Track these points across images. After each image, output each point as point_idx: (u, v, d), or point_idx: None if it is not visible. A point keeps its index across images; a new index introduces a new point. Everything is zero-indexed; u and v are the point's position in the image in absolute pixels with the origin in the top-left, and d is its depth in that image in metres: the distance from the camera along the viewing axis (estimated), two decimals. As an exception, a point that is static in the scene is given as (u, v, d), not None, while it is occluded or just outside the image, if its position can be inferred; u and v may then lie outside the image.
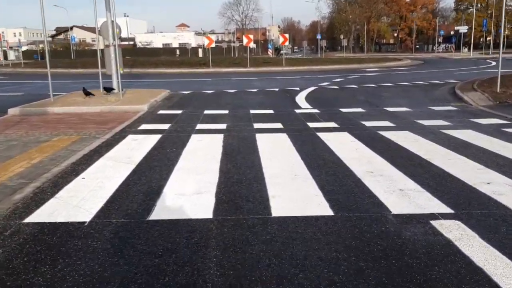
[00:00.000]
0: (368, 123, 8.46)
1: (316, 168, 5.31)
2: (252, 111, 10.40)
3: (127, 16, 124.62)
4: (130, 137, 7.39)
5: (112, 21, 13.85)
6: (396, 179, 4.84)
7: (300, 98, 13.02)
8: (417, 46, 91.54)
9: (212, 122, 8.87)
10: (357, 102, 11.95)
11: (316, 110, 10.46)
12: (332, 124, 8.43)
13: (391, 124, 8.36)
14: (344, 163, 5.54)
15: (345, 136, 7.27)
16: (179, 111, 10.46)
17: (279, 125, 8.40)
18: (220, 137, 7.29)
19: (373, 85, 16.76)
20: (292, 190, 4.48)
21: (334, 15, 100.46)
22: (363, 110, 10.34)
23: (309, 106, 11.20)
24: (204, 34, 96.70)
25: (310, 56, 63.79)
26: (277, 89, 15.83)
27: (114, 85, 13.84)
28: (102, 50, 15.92)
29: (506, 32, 72.72)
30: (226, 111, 10.43)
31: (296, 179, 4.86)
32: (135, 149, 6.47)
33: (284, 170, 5.23)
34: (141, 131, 7.91)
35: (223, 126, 8.38)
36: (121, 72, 14.10)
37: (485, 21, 47.91)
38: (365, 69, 28.16)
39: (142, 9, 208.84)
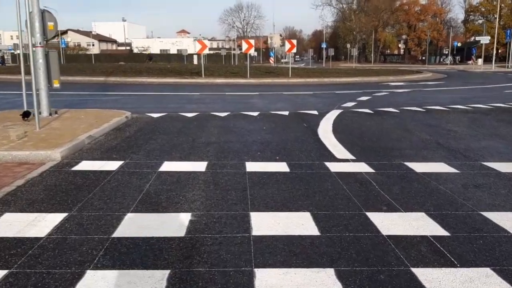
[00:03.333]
0: (506, 225, 3.77)
1: None
2: (248, 166, 5.71)
3: (125, 20, 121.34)
4: None
5: (44, 11, 9.25)
6: None
7: (325, 132, 8.35)
8: (423, 58, 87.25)
9: (160, 208, 4.15)
10: (423, 145, 7.26)
11: (364, 166, 5.77)
12: (426, 223, 3.74)
13: None
14: None
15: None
16: (117, 164, 5.75)
17: (308, 223, 3.72)
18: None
19: (418, 109, 12.08)
20: None
21: (338, 24, 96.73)
22: (455, 170, 5.62)
23: (347, 155, 6.50)
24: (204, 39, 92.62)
25: (314, 66, 59.43)
26: (286, 113, 11.16)
27: (42, 104, 9.17)
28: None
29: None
30: (202, 165, 5.73)
31: None
32: None
33: None
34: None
35: (180, 225, 3.67)
36: (56, 86, 9.44)
37: (508, 31, 43.48)
38: (388, 83, 23.53)
39: (144, 15, 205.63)
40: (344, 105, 13.08)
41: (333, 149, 6.85)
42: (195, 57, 55.73)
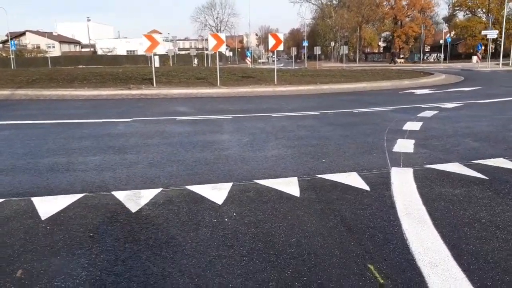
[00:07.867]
0: None
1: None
2: None
3: (89, 20, 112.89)
4: None
5: None
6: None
7: None
8: (404, 56, 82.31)
9: None
10: None
11: None
12: None
13: None
14: None
15: None
16: None
17: None
18: None
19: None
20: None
21: (317, 21, 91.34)
22: None
23: None
24: (171, 41, 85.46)
25: (296, 66, 53.20)
26: (295, 190, 4.63)
27: None
28: None
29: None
30: None
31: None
32: None
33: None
34: None
35: None
36: None
37: (517, 24, 38.26)
38: (410, 91, 17.34)
39: (113, 15, 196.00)
40: (397, 148, 6.65)
41: None
42: (156, 58, 48.60)
